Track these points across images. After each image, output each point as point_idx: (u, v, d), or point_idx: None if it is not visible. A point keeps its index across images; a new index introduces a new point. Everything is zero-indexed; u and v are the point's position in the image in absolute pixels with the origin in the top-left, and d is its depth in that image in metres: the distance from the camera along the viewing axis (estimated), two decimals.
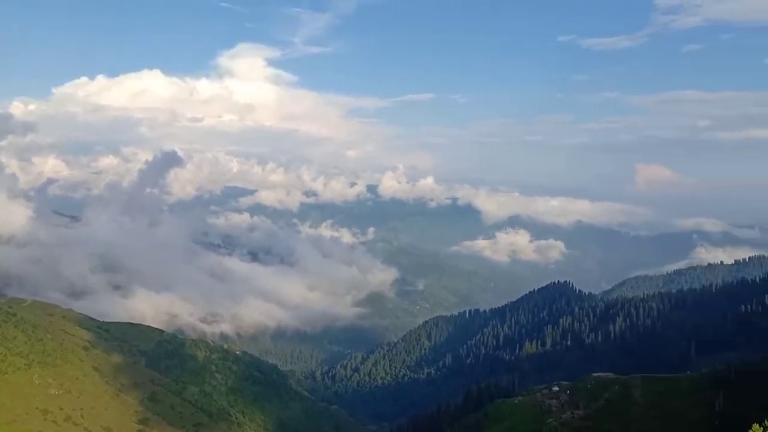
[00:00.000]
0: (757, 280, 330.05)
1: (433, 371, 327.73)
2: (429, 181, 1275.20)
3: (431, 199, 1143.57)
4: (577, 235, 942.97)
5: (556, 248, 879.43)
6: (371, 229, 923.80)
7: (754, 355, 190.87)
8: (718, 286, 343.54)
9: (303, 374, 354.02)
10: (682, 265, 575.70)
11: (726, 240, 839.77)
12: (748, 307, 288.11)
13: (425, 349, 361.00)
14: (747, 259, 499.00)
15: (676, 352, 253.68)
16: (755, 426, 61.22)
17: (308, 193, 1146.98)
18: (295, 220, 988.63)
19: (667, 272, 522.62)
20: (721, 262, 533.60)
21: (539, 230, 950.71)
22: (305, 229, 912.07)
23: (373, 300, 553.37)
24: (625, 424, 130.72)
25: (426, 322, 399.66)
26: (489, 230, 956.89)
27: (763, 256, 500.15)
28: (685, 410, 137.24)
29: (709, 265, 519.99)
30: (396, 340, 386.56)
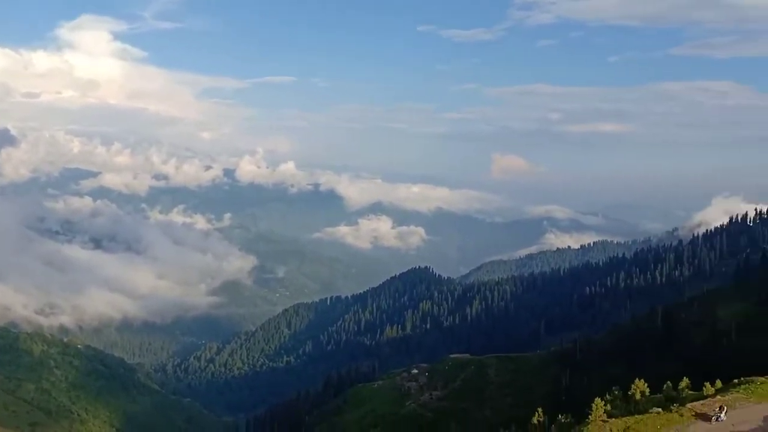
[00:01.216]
0: (601, 263, 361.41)
1: (292, 359, 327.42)
2: (290, 166, 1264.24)
3: (292, 185, 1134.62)
4: (437, 221, 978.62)
5: (417, 234, 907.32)
6: (228, 215, 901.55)
7: (597, 333, 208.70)
8: (566, 270, 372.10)
9: (153, 367, 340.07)
10: (533, 250, 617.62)
11: (573, 226, 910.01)
12: (592, 288, 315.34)
13: (285, 337, 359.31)
14: (592, 244, 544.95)
15: (528, 332, 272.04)
16: (597, 400, 67.11)
17: (158, 177, 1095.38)
18: (143, 205, 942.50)
19: (520, 257, 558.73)
20: (569, 246, 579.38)
21: (401, 217, 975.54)
22: (155, 215, 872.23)
23: (229, 288, 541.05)
24: (481, 402, 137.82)
25: (286, 309, 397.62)
26: (351, 217, 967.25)
27: (606, 241, 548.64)
28: (535, 386, 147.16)
29: (558, 249, 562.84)
30: (254, 329, 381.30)
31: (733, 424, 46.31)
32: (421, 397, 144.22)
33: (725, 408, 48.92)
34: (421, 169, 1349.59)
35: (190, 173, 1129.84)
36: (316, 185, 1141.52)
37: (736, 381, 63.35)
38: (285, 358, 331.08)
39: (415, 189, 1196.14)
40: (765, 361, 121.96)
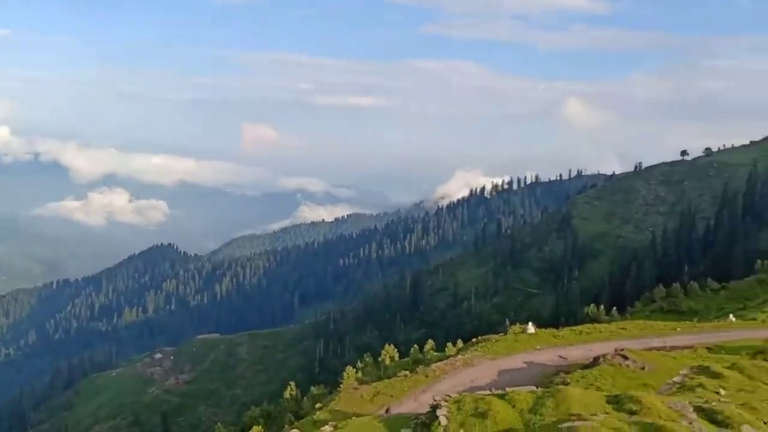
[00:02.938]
0: (354, 235, 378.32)
1: (12, 351, 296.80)
2: (3, 132, 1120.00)
3: (6, 154, 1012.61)
4: (182, 194, 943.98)
5: (158, 209, 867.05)
6: None
7: (351, 303, 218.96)
8: (320, 243, 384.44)
9: None
10: (287, 223, 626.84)
11: (327, 199, 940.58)
12: (346, 260, 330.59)
13: (2, 327, 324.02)
14: (345, 217, 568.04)
15: (282, 307, 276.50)
16: (348, 368, 70.22)
17: None
18: None
19: (273, 230, 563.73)
20: (323, 219, 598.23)
21: (139, 190, 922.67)
22: None
23: None
24: (232, 382, 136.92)
25: (3, 296, 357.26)
26: (80, 190, 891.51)
27: (359, 214, 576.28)
28: (289, 360, 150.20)
29: (312, 222, 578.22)
30: None
31: (472, 380, 50.60)
32: (167, 382, 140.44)
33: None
34: (163, 139, 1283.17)
35: None
36: (36, 154, 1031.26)
37: (474, 340, 70.24)
38: (3, 351, 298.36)
39: (156, 160, 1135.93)
40: (500, 320, 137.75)
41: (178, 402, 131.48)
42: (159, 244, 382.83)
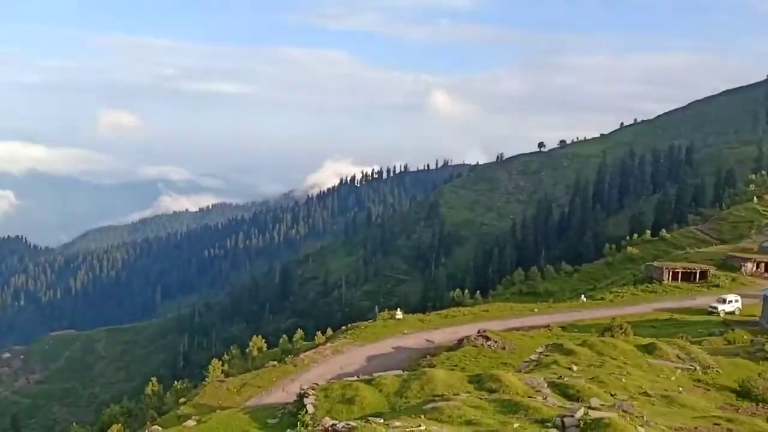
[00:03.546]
0: (219, 225, 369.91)
1: None
2: None
3: None
4: (31, 184, 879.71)
5: (4, 199, 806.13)
6: None
7: (217, 295, 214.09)
8: (183, 233, 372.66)
9: None
10: (147, 213, 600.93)
11: (191, 188, 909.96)
12: (212, 251, 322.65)
13: None
14: (210, 207, 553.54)
15: (143, 301, 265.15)
16: (214, 361, 68.61)
17: None
18: None
19: (133, 221, 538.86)
20: (186, 209, 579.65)
21: None
22: None
23: None
24: (90, 380, 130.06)
25: None
26: None
27: (225, 203, 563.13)
28: (151, 356, 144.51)
29: (175, 213, 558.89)
30: None
31: (341, 367, 51.02)
32: (16, 383, 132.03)
33: None
34: (9, 123, 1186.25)
35: None
36: None
37: (344, 328, 70.86)
38: None
39: (1, 147, 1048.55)
40: (370, 306, 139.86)
41: (29, 403, 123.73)
42: (6, 237, 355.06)
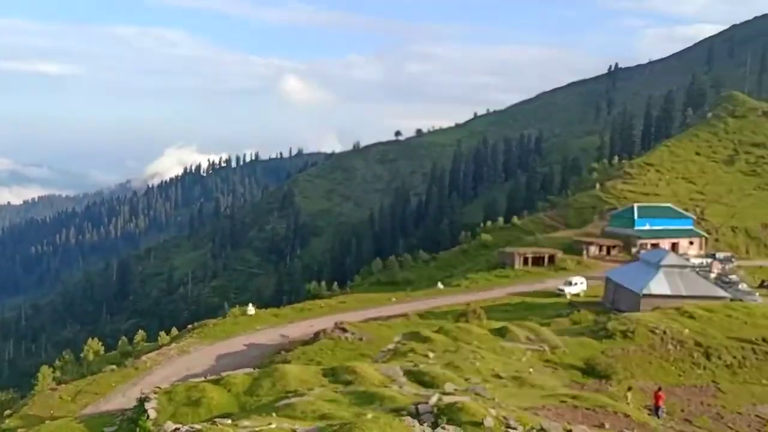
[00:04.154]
0: (48, 219, 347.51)
1: None
2: None
3: None
4: None
5: None
6: None
7: (47, 295, 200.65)
8: (6, 228, 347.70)
9: None
10: None
11: (13, 179, 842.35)
12: (39, 247, 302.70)
13: None
14: (36, 199, 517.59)
15: None
16: (44, 368, 64.50)
17: None
18: None
19: None
20: (9, 203, 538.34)
21: None
22: None
23: None
24: None
25: None
26: None
27: (54, 195, 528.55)
28: None
29: None
30: None
31: (187, 368, 49.58)
32: None
33: None
34: None
35: None
36: None
37: (191, 326, 68.97)
38: None
39: None
40: (220, 303, 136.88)
41: None
42: None
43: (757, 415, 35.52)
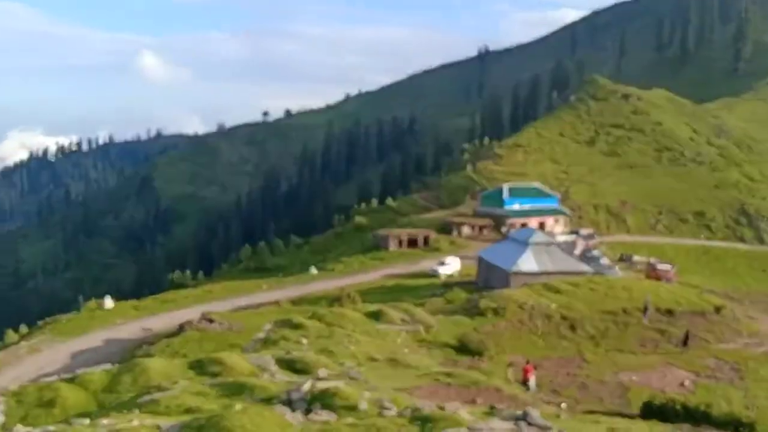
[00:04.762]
0: None
1: None
2: None
3: None
4: None
5: None
6: None
7: None
8: None
9: None
10: None
11: None
12: None
13: None
14: None
15: None
16: None
17: None
18: None
19: None
20: None
21: None
22: None
23: None
24: None
25: None
26: None
27: None
28: None
29: None
30: None
31: (39, 368, 47.34)
32: None
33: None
34: None
35: None
36: None
37: (41, 323, 65.49)
38: None
39: None
40: (75, 297, 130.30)
41: None
42: None
43: (619, 383, 38.22)
